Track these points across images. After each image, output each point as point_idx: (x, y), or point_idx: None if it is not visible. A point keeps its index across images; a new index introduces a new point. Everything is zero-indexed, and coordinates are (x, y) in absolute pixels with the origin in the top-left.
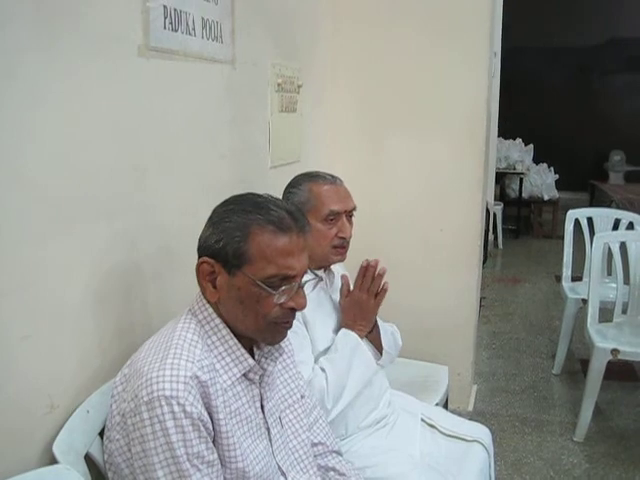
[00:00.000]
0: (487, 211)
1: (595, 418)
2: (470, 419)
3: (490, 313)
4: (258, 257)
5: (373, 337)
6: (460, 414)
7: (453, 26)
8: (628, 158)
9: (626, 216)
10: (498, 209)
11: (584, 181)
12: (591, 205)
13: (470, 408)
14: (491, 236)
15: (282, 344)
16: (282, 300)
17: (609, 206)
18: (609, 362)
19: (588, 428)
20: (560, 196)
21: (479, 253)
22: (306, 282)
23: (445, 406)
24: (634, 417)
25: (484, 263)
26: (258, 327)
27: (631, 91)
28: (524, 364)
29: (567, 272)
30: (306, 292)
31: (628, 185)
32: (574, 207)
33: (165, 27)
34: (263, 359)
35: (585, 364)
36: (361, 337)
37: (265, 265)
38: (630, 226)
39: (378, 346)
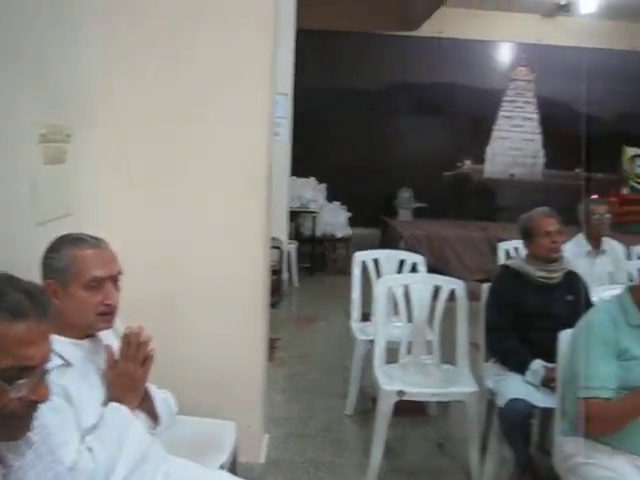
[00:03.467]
0: (281, 250)
1: (386, 457)
2: (262, 471)
3: (285, 354)
4: None
5: (146, 406)
6: (252, 467)
7: (232, 71)
8: (416, 195)
9: (411, 257)
10: (292, 248)
11: (376, 217)
12: (382, 240)
13: (262, 460)
14: (286, 275)
15: (30, 433)
16: (21, 394)
17: (398, 242)
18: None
19: (379, 468)
20: (354, 232)
21: (264, 298)
22: (51, 370)
23: (234, 462)
24: (423, 452)
25: (278, 303)
26: None
27: (418, 132)
28: (318, 406)
29: (355, 314)
30: (56, 377)
31: (416, 221)
32: (367, 243)
33: None
34: (10, 455)
35: (377, 403)
36: (132, 409)
37: (0, 357)
38: (414, 267)
39: (152, 415)
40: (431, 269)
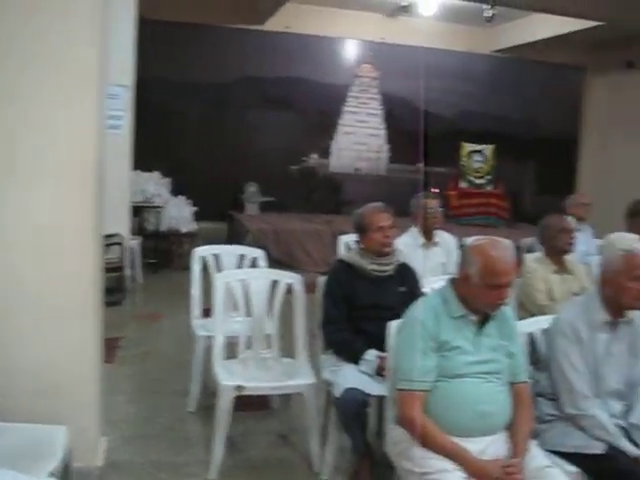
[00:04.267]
0: (123, 247)
1: (230, 452)
2: (100, 475)
3: (127, 354)
4: None
5: None
6: (89, 471)
7: (56, 62)
8: (263, 189)
9: (251, 252)
10: (135, 243)
11: (223, 212)
12: (230, 235)
13: (99, 463)
14: (129, 272)
15: None
16: None
17: (245, 236)
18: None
19: (222, 464)
20: (201, 227)
21: (96, 297)
22: None
23: (66, 468)
24: (266, 445)
25: (121, 301)
26: None
27: (264, 127)
28: (160, 405)
29: (196, 310)
30: None
31: (262, 215)
32: (214, 237)
33: None
34: None
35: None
36: None
37: None
38: (255, 262)
39: None
40: (278, 262)
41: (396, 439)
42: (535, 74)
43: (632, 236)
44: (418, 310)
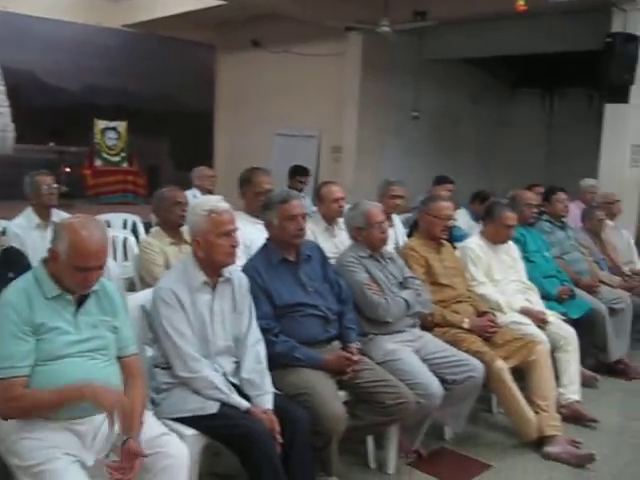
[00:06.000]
0: None
1: None
2: None
3: None
4: None
5: None
6: None
7: None
8: None
9: None
10: None
11: None
12: None
13: None
14: None
15: None
16: None
17: None
18: None
19: None
20: None
21: None
22: None
23: None
24: None
25: None
26: None
27: None
28: None
29: None
30: None
31: None
32: None
33: None
34: None
35: None
36: None
37: None
38: None
39: None
40: None
41: (2, 436)
42: (168, 50)
43: (215, 197)
44: (8, 294)
